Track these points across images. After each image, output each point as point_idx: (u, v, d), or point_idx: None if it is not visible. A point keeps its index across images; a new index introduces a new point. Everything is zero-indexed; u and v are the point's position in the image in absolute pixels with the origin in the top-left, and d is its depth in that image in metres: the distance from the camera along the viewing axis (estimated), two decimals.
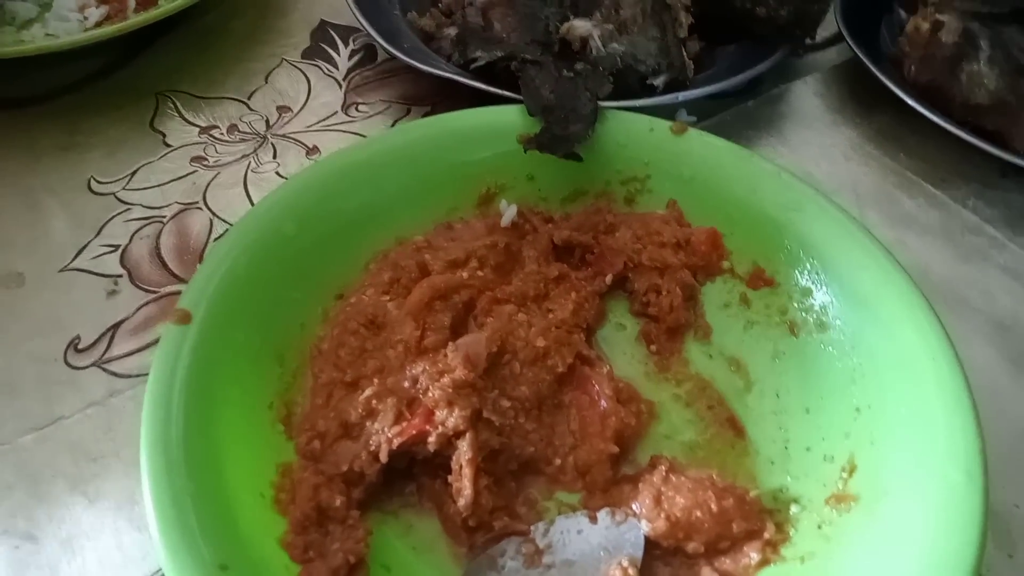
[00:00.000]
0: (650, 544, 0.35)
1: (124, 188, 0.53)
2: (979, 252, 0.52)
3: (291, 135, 0.58)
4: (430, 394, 0.36)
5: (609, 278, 0.45)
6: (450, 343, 0.38)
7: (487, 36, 0.59)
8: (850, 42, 0.61)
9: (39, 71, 0.61)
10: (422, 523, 0.36)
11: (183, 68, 0.64)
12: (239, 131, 0.58)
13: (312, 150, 0.57)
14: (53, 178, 0.54)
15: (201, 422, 0.33)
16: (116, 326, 0.45)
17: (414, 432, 0.35)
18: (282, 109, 0.61)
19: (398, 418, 0.36)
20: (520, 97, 0.51)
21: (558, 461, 0.38)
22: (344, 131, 0.59)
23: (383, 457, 0.35)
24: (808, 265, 0.43)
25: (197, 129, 0.58)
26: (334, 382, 0.38)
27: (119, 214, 0.52)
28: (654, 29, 0.58)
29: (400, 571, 0.35)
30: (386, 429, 0.35)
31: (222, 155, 0.56)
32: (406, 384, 0.37)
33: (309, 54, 0.67)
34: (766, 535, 0.35)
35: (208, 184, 0.54)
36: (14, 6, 0.63)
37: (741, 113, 0.61)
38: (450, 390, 0.35)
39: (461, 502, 0.34)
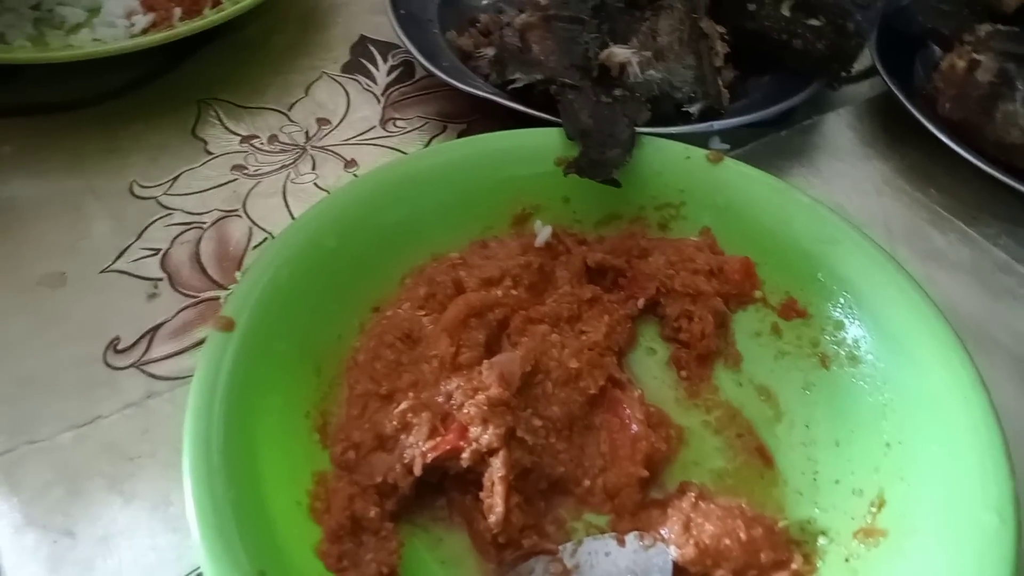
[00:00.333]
0: (678, 570, 0.35)
1: (165, 193, 0.54)
2: (1009, 291, 0.52)
3: (330, 147, 0.59)
4: (465, 410, 0.36)
5: (641, 302, 0.46)
6: (484, 361, 0.39)
7: (525, 58, 0.60)
8: (884, 76, 0.62)
9: (86, 76, 0.62)
10: (452, 538, 0.37)
11: (226, 77, 0.65)
12: (279, 141, 0.60)
13: (350, 163, 0.58)
14: (96, 181, 0.55)
15: (241, 429, 0.34)
16: (155, 329, 0.46)
17: (448, 447, 0.36)
18: (321, 121, 0.62)
19: (432, 432, 0.36)
20: (555, 119, 0.51)
21: (587, 482, 0.39)
22: (381, 145, 0.60)
23: (417, 470, 0.35)
24: (841, 299, 0.43)
25: (238, 138, 0.60)
26: (369, 394, 0.39)
27: (160, 218, 0.53)
28: (690, 57, 0.59)
29: None
30: (420, 443, 0.36)
31: (262, 164, 0.57)
32: (440, 399, 0.38)
33: (349, 68, 0.68)
34: (793, 566, 0.35)
35: (248, 192, 0.55)
36: (63, 10, 0.65)
37: (774, 142, 0.62)
38: (485, 407, 0.36)
39: (492, 519, 0.35)
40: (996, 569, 0.31)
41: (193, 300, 0.48)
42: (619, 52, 0.56)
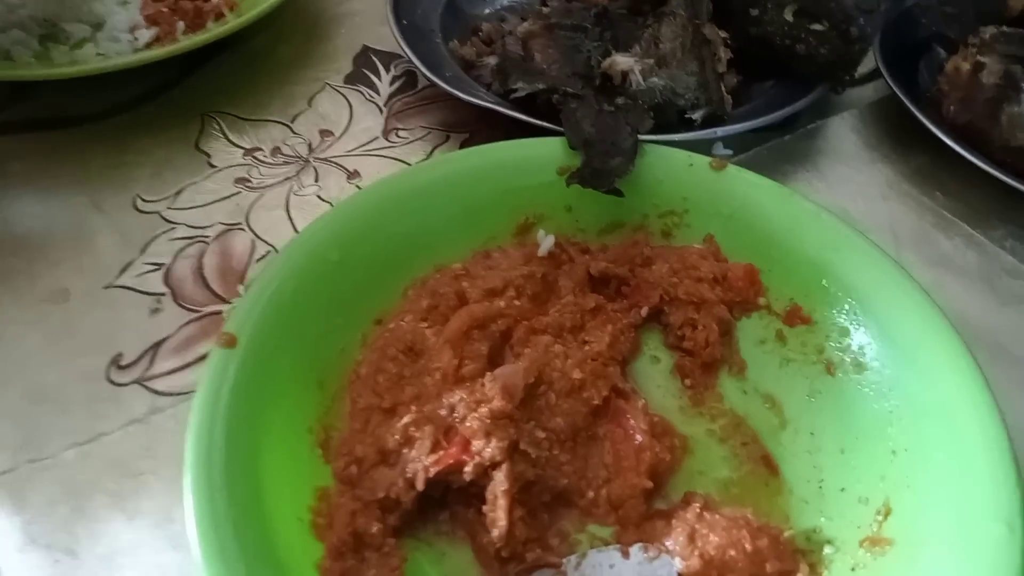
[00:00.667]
0: None
1: (169, 207, 0.55)
2: (1017, 295, 0.51)
3: (333, 159, 0.59)
4: (467, 423, 0.36)
5: (645, 311, 0.46)
6: (487, 373, 0.39)
7: (527, 67, 0.60)
8: (889, 80, 0.62)
9: (90, 90, 0.62)
10: (455, 552, 0.37)
11: (229, 90, 0.65)
12: (282, 154, 0.60)
13: (353, 174, 0.58)
14: (101, 196, 0.55)
15: (243, 445, 0.34)
16: (158, 344, 0.46)
17: (451, 461, 0.35)
18: (324, 133, 0.62)
19: (435, 446, 0.36)
20: (558, 128, 0.51)
21: (591, 494, 0.38)
22: (384, 156, 0.60)
23: (420, 485, 0.35)
24: (846, 305, 0.43)
25: (241, 151, 0.60)
26: (372, 407, 0.39)
27: (164, 233, 0.53)
28: (693, 64, 0.59)
29: None
30: (423, 457, 0.36)
31: (265, 177, 0.57)
32: (443, 412, 0.37)
33: (351, 79, 0.68)
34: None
35: (251, 205, 0.55)
36: (68, 25, 0.65)
37: (778, 148, 0.62)
38: (488, 420, 0.36)
39: (495, 533, 0.35)
40: None
41: (196, 315, 0.48)
42: (621, 60, 0.56)
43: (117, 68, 0.59)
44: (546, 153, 0.49)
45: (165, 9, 0.67)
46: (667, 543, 0.36)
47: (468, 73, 0.64)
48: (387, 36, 0.64)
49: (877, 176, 0.60)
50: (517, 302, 0.44)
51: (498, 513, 0.35)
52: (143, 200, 0.55)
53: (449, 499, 0.37)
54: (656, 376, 0.45)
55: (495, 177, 0.48)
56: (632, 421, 0.40)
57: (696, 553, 0.35)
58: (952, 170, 0.59)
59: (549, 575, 0.35)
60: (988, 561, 0.31)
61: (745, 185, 0.47)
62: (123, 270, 0.50)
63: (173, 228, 0.53)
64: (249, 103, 0.64)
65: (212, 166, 0.58)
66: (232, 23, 0.64)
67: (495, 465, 0.35)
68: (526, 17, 0.66)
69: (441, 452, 0.36)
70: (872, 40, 0.60)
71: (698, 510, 0.36)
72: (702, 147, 0.52)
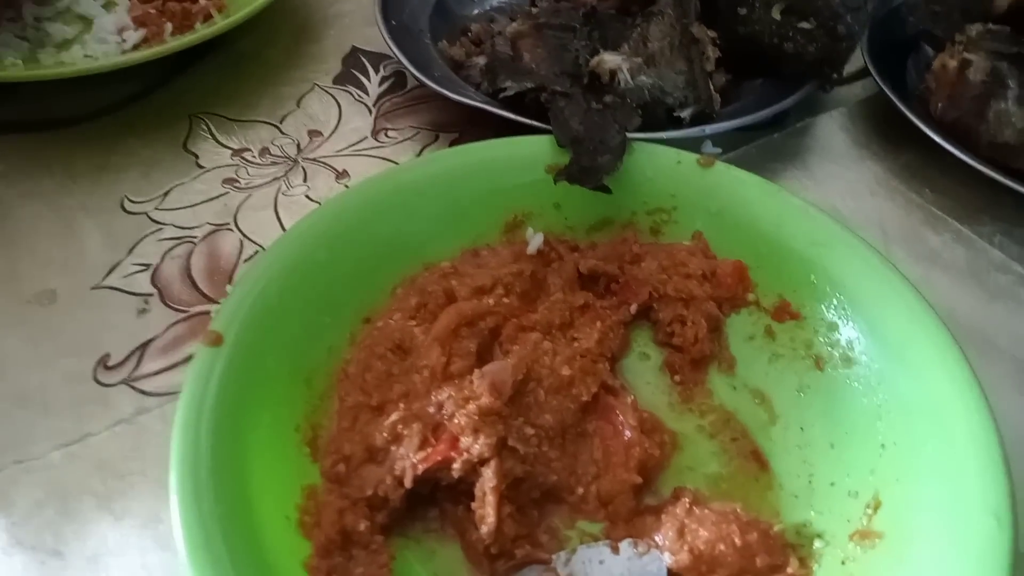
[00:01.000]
0: None
1: (157, 208, 0.54)
2: (1006, 291, 0.52)
3: (321, 159, 0.59)
4: (455, 420, 0.36)
5: (634, 308, 0.46)
6: (476, 370, 0.39)
7: (516, 67, 0.60)
8: (877, 78, 0.62)
9: (78, 92, 0.62)
10: (444, 549, 0.36)
11: (217, 91, 0.65)
12: (271, 154, 0.59)
13: (342, 174, 0.58)
14: (88, 197, 0.55)
15: (230, 444, 0.34)
16: (145, 345, 0.46)
17: (439, 458, 0.35)
18: (313, 133, 0.62)
19: (423, 443, 0.36)
20: (546, 127, 0.51)
21: (581, 490, 0.38)
22: (373, 156, 0.60)
23: (408, 482, 0.35)
24: (835, 300, 0.43)
25: (229, 151, 0.60)
26: (360, 406, 0.39)
27: (151, 233, 0.52)
28: (681, 62, 0.59)
29: None
30: (411, 454, 0.35)
31: (253, 177, 0.57)
32: (431, 410, 0.37)
33: (340, 80, 0.68)
34: (789, 570, 0.35)
35: (239, 206, 0.55)
36: (54, 27, 0.65)
37: (767, 146, 0.62)
38: (476, 417, 0.36)
39: (484, 529, 0.34)
40: (993, 572, 0.31)
41: (184, 315, 0.47)
42: (609, 59, 0.56)
43: (105, 69, 0.59)
44: (534, 151, 0.49)
45: (153, 11, 0.67)
46: (656, 538, 0.36)
47: (457, 73, 0.64)
48: (376, 37, 0.64)
49: (866, 173, 0.60)
50: (506, 300, 0.44)
51: (487, 510, 0.35)
52: (131, 201, 0.55)
53: (438, 497, 0.37)
54: (646, 373, 0.45)
55: (483, 175, 0.48)
56: (621, 417, 0.40)
57: (685, 548, 0.35)
58: (940, 167, 0.59)
59: (539, 571, 0.35)
60: (977, 553, 0.31)
61: (733, 182, 0.47)
62: (110, 271, 0.50)
63: (161, 229, 0.53)
64: (237, 104, 0.64)
65: (200, 167, 0.58)
66: (220, 24, 0.64)
67: (483, 462, 0.35)
68: (515, 17, 0.66)
69: (429, 449, 0.36)
70: (859, 37, 0.61)
71: (687, 505, 0.36)
72: (691, 145, 0.52)
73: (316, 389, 0.39)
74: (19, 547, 0.37)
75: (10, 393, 0.43)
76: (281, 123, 0.63)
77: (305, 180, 0.57)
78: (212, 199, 0.55)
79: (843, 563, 0.35)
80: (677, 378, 0.44)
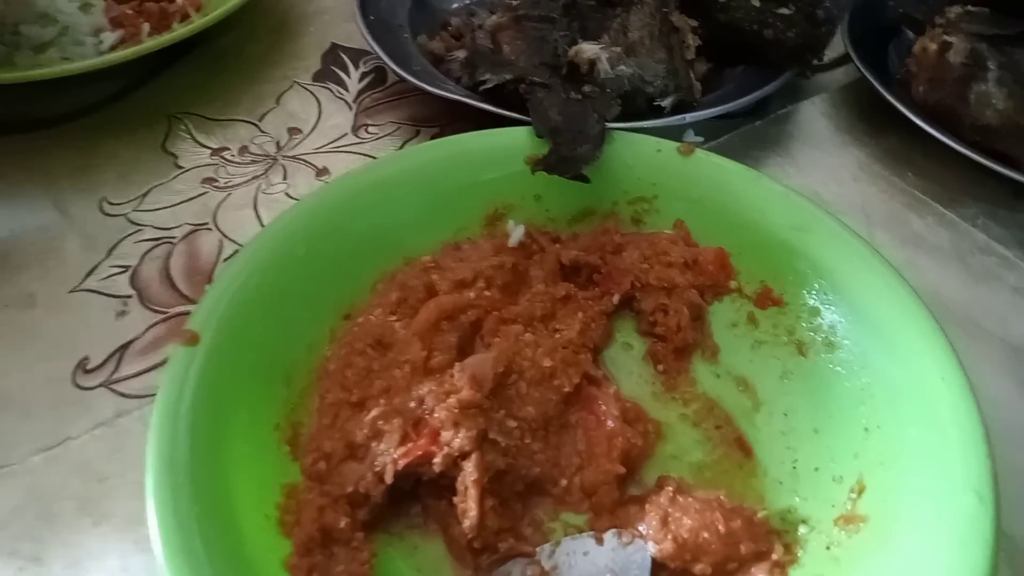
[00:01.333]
0: (657, 566, 0.34)
1: (135, 209, 0.54)
2: (989, 272, 0.51)
3: (301, 157, 0.59)
4: (436, 415, 0.36)
5: (616, 298, 0.45)
6: (456, 363, 0.38)
7: (496, 59, 0.59)
8: (858, 63, 0.62)
9: (55, 94, 0.62)
10: (427, 545, 0.36)
11: (196, 90, 0.65)
12: (250, 153, 0.59)
13: (322, 171, 0.58)
14: (66, 200, 0.54)
15: (207, 444, 0.33)
16: (125, 347, 0.45)
17: (419, 453, 0.35)
18: (293, 131, 0.61)
19: (404, 439, 0.36)
20: (527, 119, 0.51)
21: (564, 482, 0.38)
22: (354, 152, 0.60)
23: (388, 478, 0.34)
24: (816, 285, 0.43)
25: (209, 151, 0.59)
26: (340, 402, 0.38)
27: (130, 235, 0.52)
28: (662, 51, 0.59)
29: None
30: (391, 450, 0.35)
31: (233, 176, 0.57)
32: (412, 405, 0.37)
33: (320, 76, 0.68)
34: (774, 556, 0.35)
35: (219, 205, 0.54)
36: (30, 29, 0.64)
37: (749, 133, 0.62)
38: (456, 411, 0.35)
39: (466, 523, 0.34)
40: (976, 549, 0.31)
41: (163, 316, 0.47)
42: (587, 48, 0.56)
43: (81, 71, 0.58)
44: (514, 143, 0.49)
45: (130, 11, 0.66)
46: (641, 528, 0.36)
47: (437, 67, 0.64)
48: (356, 33, 0.64)
49: (848, 159, 0.60)
50: (487, 293, 0.43)
51: (469, 504, 0.34)
52: (109, 203, 0.54)
53: (420, 492, 0.37)
54: (629, 363, 0.45)
55: (462, 168, 0.48)
56: (604, 407, 0.40)
57: (669, 537, 0.34)
58: (923, 150, 0.59)
59: (523, 564, 0.35)
60: (960, 532, 0.31)
61: (713, 169, 0.47)
62: (89, 273, 0.49)
63: (140, 230, 0.52)
64: (216, 103, 0.64)
65: (179, 167, 0.57)
66: (197, 23, 0.63)
67: (464, 455, 0.35)
68: (495, 10, 0.65)
69: (410, 444, 0.35)
70: (839, 22, 0.60)
71: (671, 494, 0.36)
72: (673, 134, 0.51)
73: (296, 387, 0.39)
74: None
75: None
76: (261, 121, 0.62)
77: (285, 178, 0.57)
78: (191, 199, 0.55)
79: (828, 548, 0.35)
80: (660, 367, 0.44)
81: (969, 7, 0.60)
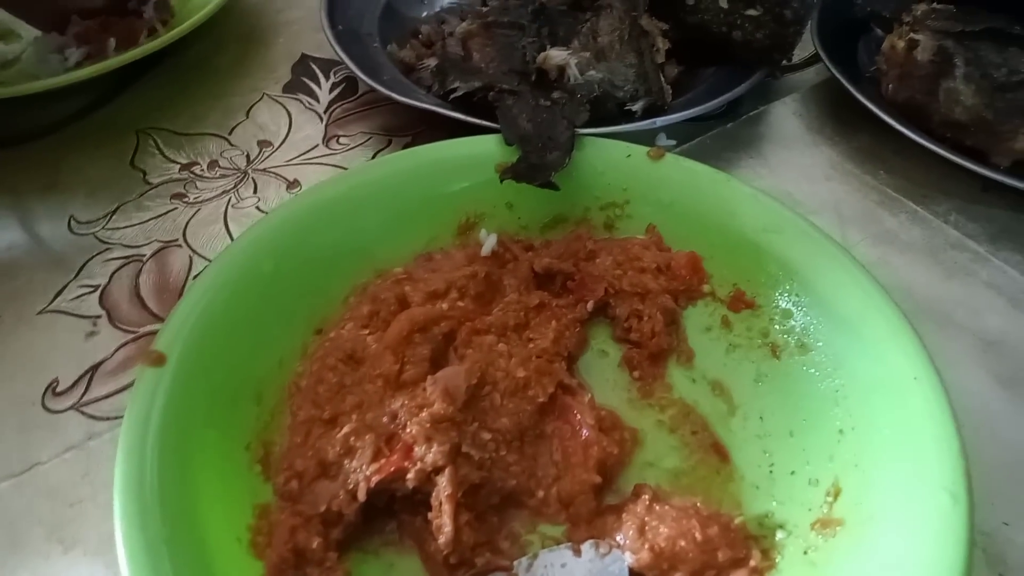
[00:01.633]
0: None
1: (104, 228, 0.53)
2: (962, 268, 0.52)
3: (271, 169, 0.58)
4: (408, 430, 0.35)
5: (590, 305, 0.45)
6: (429, 376, 0.38)
7: (466, 66, 0.59)
8: (827, 62, 0.62)
9: (20, 112, 0.61)
10: (403, 562, 0.36)
11: (165, 105, 0.64)
12: (220, 167, 0.58)
13: (293, 184, 0.57)
14: (33, 219, 0.54)
15: (176, 466, 0.33)
16: (95, 368, 0.45)
17: (392, 469, 0.35)
18: (263, 144, 0.61)
19: (376, 455, 0.35)
20: (498, 126, 0.51)
21: (541, 493, 0.38)
22: (325, 164, 0.59)
23: (361, 496, 0.34)
24: (788, 286, 0.43)
25: (177, 166, 0.58)
26: (312, 419, 0.38)
27: (99, 254, 0.51)
28: (631, 55, 0.59)
29: None
30: (364, 467, 0.35)
31: (202, 191, 0.56)
32: (385, 420, 0.37)
33: (290, 88, 0.67)
34: (752, 563, 0.34)
35: (188, 221, 0.54)
36: None
37: (721, 135, 0.62)
38: (428, 425, 0.35)
39: (441, 539, 0.34)
40: (951, 548, 0.30)
41: (133, 336, 0.46)
42: (555, 54, 0.55)
43: (47, 88, 0.58)
44: (484, 151, 0.48)
45: (95, 26, 0.65)
46: (618, 538, 0.35)
47: (408, 76, 0.63)
48: (326, 43, 0.63)
49: (820, 158, 0.60)
50: (460, 303, 0.43)
51: (443, 519, 0.34)
52: (77, 222, 0.54)
53: (396, 508, 0.37)
54: (605, 370, 0.44)
55: (433, 178, 0.47)
56: (579, 416, 0.39)
57: (646, 546, 0.34)
58: (894, 148, 0.59)
59: None
60: (933, 531, 0.31)
61: (682, 172, 0.47)
62: (57, 294, 0.49)
63: (108, 248, 0.52)
64: (185, 117, 0.63)
65: (148, 183, 0.57)
66: (164, 37, 0.63)
67: (438, 470, 0.35)
68: (465, 17, 0.65)
69: (382, 461, 0.35)
70: (806, 22, 0.60)
71: (647, 502, 0.36)
72: (645, 138, 0.51)
73: (267, 405, 0.39)
74: None
75: None
76: (230, 134, 0.62)
77: (255, 191, 0.56)
78: (160, 215, 0.54)
79: (805, 553, 0.34)
80: (636, 373, 0.44)
81: (935, 4, 0.60)
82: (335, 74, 0.69)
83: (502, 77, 0.55)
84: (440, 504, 0.34)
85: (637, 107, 0.57)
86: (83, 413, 0.43)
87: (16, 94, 0.57)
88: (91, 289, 0.49)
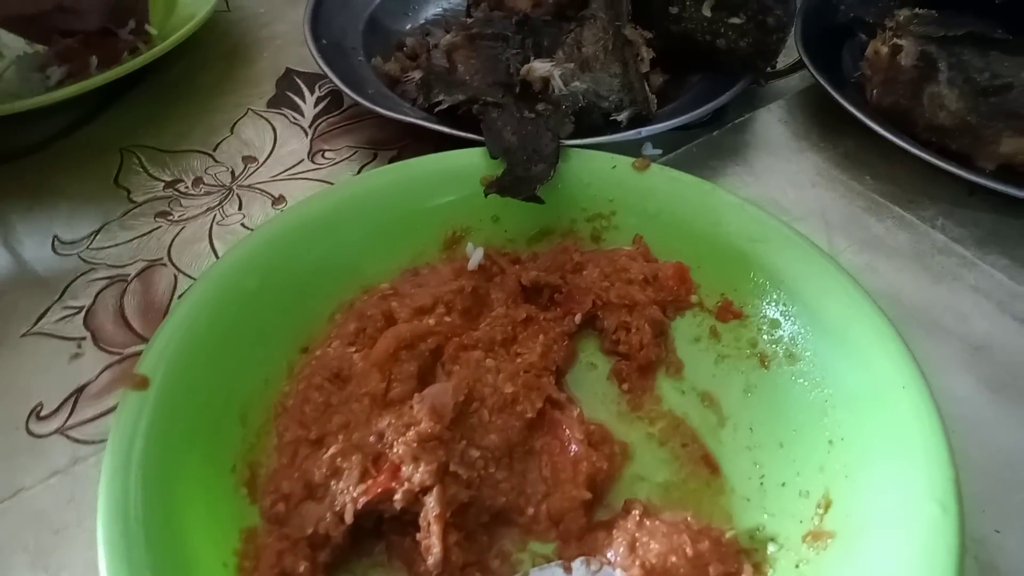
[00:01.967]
0: None
1: (88, 247, 0.53)
2: (950, 272, 0.52)
3: (257, 185, 0.58)
4: (395, 449, 0.35)
5: (578, 318, 0.45)
6: (416, 394, 0.38)
7: (450, 79, 0.59)
8: (811, 69, 0.62)
9: (2, 131, 0.61)
10: None
11: (148, 122, 0.64)
12: (204, 184, 0.58)
13: (278, 200, 0.57)
14: (16, 239, 0.53)
15: (161, 492, 0.33)
16: (79, 391, 0.44)
17: (379, 490, 0.34)
18: (248, 159, 0.61)
19: (363, 476, 0.35)
20: (483, 139, 0.51)
21: (531, 510, 0.37)
22: (311, 179, 0.59)
23: (348, 518, 0.34)
24: (775, 296, 0.42)
25: (162, 184, 0.58)
26: (299, 440, 0.38)
27: (83, 275, 0.51)
28: (616, 65, 0.59)
29: None
30: (351, 488, 0.34)
31: (187, 209, 0.56)
32: (372, 439, 0.36)
33: (275, 103, 0.67)
34: None
35: (173, 239, 0.53)
36: None
37: (707, 144, 0.62)
38: (415, 444, 0.35)
39: (430, 560, 0.33)
40: (941, 559, 0.30)
41: (118, 357, 0.46)
42: (539, 66, 0.55)
43: (28, 108, 0.58)
44: (469, 164, 0.48)
45: (76, 45, 0.65)
46: (608, 554, 0.35)
47: (393, 89, 0.63)
48: (310, 57, 0.63)
49: (806, 164, 0.60)
50: (447, 319, 0.43)
51: (432, 540, 0.34)
52: (61, 242, 0.53)
53: (384, 529, 0.36)
54: (594, 383, 0.44)
55: (418, 192, 0.47)
56: (568, 432, 0.39)
57: (637, 563, 0.34)
58: (880, 153, 0.59)
59: None
60: (924, 542, 0.31)
61: (668, 182, 0.47)
62: (41, 316, 0.48)
63: (93, 268, 0.51)
64: (169, 134, 0.63)
65: (132, 201, 0.57)
66: (147, 54, 0.63)
67: (425, 490, 0.34)
68: (450, 29, 0.65)
69: (370, 481, 0.35)
70: (789, 29, 0.60)
71: (638, 518, 0.36)
72: (631, 148, 0.51)
73: (252, 426, 0.38)
74: None
75: None
76: (215, 151, 0.61)
77: (240, 208, 0.56)
78: (145, 234, 0.54)
79: (797, 566, 0.34)
80: (625, 386, 0.43)
81: (917, 9, 0.60)
82: (320, 88, 0.69)
83: (487, 90, 0.55)
84: (428, 524, 0.34)
85: (622, 117, 0.57)
86: (68, 437, 0.42)
87: None
88: (75, 310, 0.49)
